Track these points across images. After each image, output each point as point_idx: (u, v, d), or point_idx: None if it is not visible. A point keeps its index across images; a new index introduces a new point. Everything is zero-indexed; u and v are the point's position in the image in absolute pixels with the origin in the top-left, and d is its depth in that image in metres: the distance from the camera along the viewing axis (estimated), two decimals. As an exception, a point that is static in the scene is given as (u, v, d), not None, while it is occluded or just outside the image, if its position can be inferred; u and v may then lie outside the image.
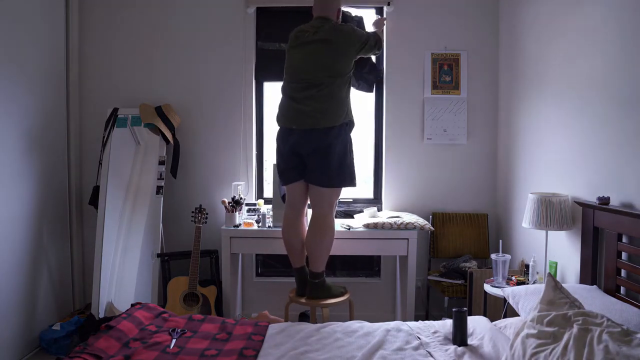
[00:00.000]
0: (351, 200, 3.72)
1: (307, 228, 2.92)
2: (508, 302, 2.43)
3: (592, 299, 2.06)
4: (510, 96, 3.47)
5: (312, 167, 2.77)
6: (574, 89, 2.64)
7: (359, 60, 2.97)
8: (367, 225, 3.18)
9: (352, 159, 2.88)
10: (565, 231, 2.66)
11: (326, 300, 2.84)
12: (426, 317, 3.54)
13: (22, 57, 3.02)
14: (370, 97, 3.76)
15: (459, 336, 2.07)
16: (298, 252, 2.90)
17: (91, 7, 3.63)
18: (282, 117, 2.86)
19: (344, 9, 3.10)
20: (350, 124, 2.84)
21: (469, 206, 3.70)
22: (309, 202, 2.94)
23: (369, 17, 3.42)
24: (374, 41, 2.93)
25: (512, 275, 2.78)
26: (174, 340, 2.12)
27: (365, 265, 3.77)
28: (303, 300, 2.87)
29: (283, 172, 2.89)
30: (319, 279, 2.85)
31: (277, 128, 2.91)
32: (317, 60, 2.77)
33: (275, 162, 2.99)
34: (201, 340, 2.15)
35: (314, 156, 2.75)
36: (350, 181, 2.84)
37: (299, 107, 2.77)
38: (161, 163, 3.45)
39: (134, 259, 3.31)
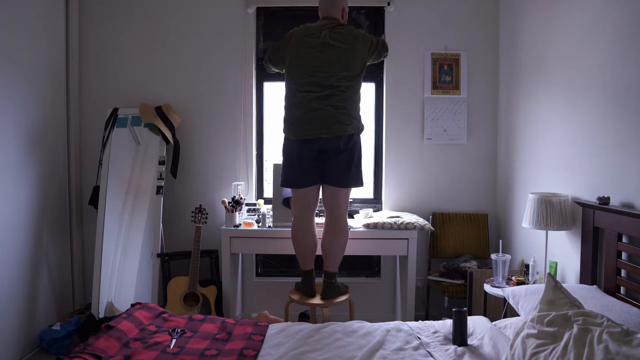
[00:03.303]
0: (351, 200, 3.71)
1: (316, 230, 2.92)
2: (508, 302, 2.43)
3: (592, 299, 2.06)
4: (510, 96, 3.47)
5: (334, 168, 2.76)
6: (573, 88, 2.64)
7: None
8: (367, 225, 3.18)
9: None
10: (565, 231, 2.66)
11: (337, 299, 2.84)
12: (426, 317, 3.54)
13: (22, 57, 3.02)
14: (370, 97, 3.76)
15: (459, 336, 2.07)
16: (311, 254, 2.90)
17: (91, 7, 3.63)
18: (303, 129, 2.72)
19: None
20: (362, 128, 2.86)
21: (469, 206, 3.70)
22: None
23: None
24: (382, 44, 2.93)
25: (512, 275, 2.78)
26: (174, 340, 2.12)
27: (365, 265, 3.77)
28: (314, 301, 2.85)
29: (301, 175, 2.79)
30: (335, 279, 2.87)
31: (281, 133, 2.86)
32: (339, 62, 2.72)
33: (283, 164, 2.87)
34: (201, 340, 2.15)
35: (336, 158, 2.74)
36: (362, 182, 2.89)
37: (322, 114, 2.69)
38: (161, 163, 3.45)
39: (134, 259, 3.31)
